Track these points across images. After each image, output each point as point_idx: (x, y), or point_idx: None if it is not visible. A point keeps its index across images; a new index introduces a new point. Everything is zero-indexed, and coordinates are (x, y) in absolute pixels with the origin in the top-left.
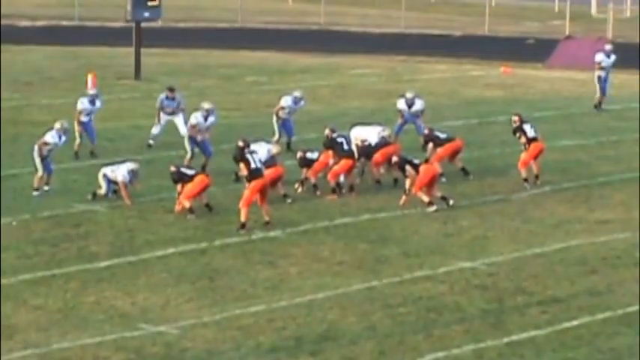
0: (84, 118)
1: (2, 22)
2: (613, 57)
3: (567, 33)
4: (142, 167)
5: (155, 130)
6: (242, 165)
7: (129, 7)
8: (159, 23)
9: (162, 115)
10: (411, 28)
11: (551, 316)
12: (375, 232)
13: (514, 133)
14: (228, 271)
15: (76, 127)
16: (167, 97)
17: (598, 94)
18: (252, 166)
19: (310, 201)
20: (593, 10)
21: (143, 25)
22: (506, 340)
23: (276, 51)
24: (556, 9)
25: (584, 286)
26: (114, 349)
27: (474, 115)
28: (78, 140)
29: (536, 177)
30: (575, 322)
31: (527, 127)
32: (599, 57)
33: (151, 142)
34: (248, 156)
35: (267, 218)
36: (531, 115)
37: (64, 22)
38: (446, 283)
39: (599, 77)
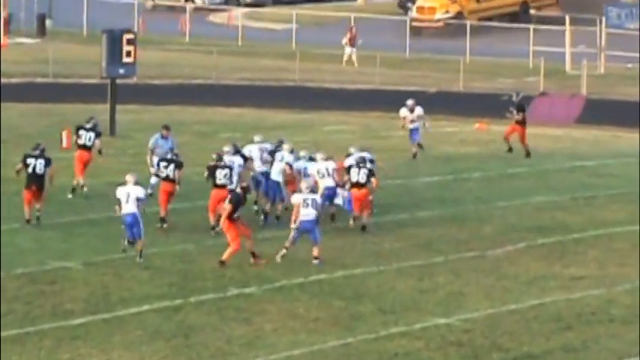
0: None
1: None
2: (418, 110)
3: (542, 89)
4: (116, 225)
5: (153, 180)
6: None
7: (104, 64)
8: (134, 80)
9: (154, 158)
10: (385, 85)
11: None
12: (350, 289)
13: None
14: (203, 328)
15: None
16: (162, 136)
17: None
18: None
19: (285, 257)
20: (567, 66)
21: (118, 81)
22: None
23: (251, 107)
24: (530, 65)
25: (560, 343)
26: None
27: (448, 172)
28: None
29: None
30: None
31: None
32: (403, 112)
33: (150, 191)
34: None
35: None
36: (505, 171)
37: (39, 79)
38: (422, 340)
39: (410, 130)
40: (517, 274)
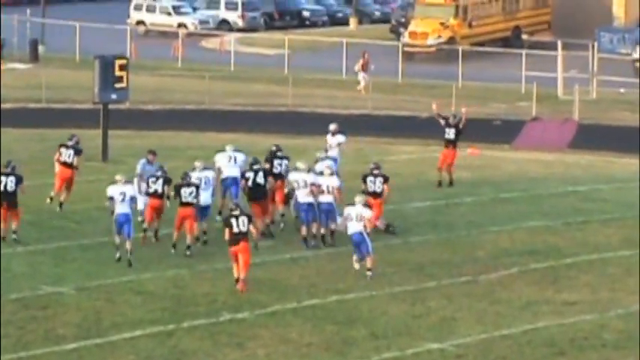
0: None
1: None
2: (339, 137)
3: (534, 114)
4: (108, 249)
5: (140, 203)
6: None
7: (96, 89)
8: (126, 105)
9: (142, 184)
10: (378, 110)
11: None
12: (343, 314)
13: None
14: (195, 353)
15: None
16: (148, 161)
17: None
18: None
19: (278, 282)
20: (560, 91)
21: (110, 106)
22: None
23: (244, 132)
24: (522, 90)
25: None
26: None
27: (441, 197)
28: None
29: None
30: None
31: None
32: (328, 137)
33: (140, 218)
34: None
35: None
36: (498, 196)
37: (32, 105)
38: None
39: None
40: (510, 299)
